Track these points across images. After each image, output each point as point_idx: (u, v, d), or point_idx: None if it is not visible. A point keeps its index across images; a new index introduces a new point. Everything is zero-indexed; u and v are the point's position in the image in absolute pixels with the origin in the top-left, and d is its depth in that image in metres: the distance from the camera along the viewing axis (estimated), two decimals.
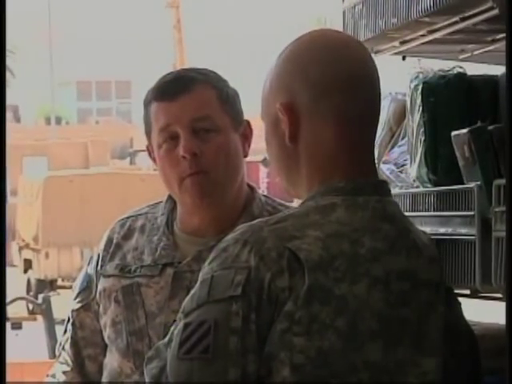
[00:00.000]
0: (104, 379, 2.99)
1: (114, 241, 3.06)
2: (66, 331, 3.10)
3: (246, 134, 2.93)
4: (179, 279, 2.86)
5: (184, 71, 3.15)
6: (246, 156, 3.00)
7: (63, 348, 3.07)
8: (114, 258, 3.03)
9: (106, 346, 2.99)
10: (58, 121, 56.58)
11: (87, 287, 3.04)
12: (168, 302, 2.84)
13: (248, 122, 2.97)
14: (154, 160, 2.97)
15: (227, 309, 2.08)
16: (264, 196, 3.06)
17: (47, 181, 25.09)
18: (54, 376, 3.08)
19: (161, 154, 2.85)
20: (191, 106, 2.90)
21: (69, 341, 3.06)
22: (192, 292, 2.19)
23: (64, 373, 3.06)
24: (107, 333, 2.97)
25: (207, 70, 3.03)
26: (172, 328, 2.18)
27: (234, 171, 2.92)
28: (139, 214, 3.10)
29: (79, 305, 3.04)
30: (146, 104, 2.97)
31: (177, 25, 32.54)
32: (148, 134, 2.95)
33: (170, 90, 2.95)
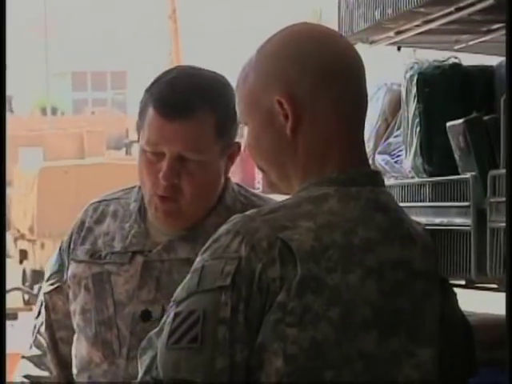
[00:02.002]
0: (75, 367, 2.97)
1: (86, 224, 3.02)
2: (39, 314, 3.07)
3: (233, 155, 2.91)
4: (148, 268, 2.84)
5: (191, 86, 2.89)
6: (226, 175, 2.94)
7: (38, 331, 3.04)
8: (84, 242, 2.98)
9: None
10: (54, 111, 56.77)
11: (59, 270, 3.02)
12: (137, 292, 2.82)
13: (238, 144, 2.88)
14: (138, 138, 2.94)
15: (216, 299, 2.08)
16: (237, 185, 3.00)
17: (42, 171, 25.33)
18: (29, 359, 3.09)
19: (142, 158, 2.82)
20: (186, 135, 2.80)
21: (43, 324, 3.04)
22: (184, 281, 2.18)
23: (39, 356, 3.07)
24: (76, 320, 2.94)
25: (216, 86, 2.87)
26: (164, 317, 2.17)
27: (209, 197, 2.89)
28: (113, 199, 3.06)
29: (51, 287, 3.03)
30: (146, 99, 2.84)
31: (172, 15, 32.83)
32: (140, 121, 2.88)
33: (170, 107, 2.80)
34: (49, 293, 3.02)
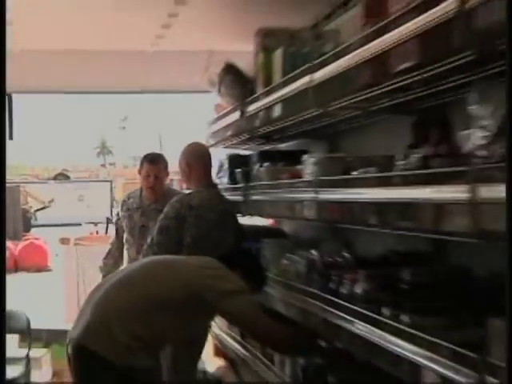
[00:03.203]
0: (125, 245, 4.50)
1: (124, 203, 4.63)
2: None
3: (167, 174, 4.48)
4: (143, 213, 4.42)
5: (156, 154, 4.64)
6: (166, 181, 4.50)
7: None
8: (123, 207, 4.64)
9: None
10: None
11: (117, 214, 4.73)
12: (140, 219, 4.42)
13: (168, 170, 4.45)
14: (139, 173, 4.43)
15: (171, 219, 3.50)
16: (168, 186, 4.64)
17: None
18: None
19: (145, 178, 4.37)
20: (158, 169, 4.41)
21: (116, 230, 4.69)
22: (161, 215, 3.65)
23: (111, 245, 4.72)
24: (125, 229, 4.54)
25: (161, 154, 4.57)
26: (155, 226, 3.62)
27: (163, 185, 4.46)
28: (131, 193, 4.69)
29: (117, 217, 4.76)
30: (142, 160, 4.45)
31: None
32: (140, 168, 4.43)
33: (151, 161, 4.44)
34: (118, 219, 4.76)
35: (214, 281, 2.76)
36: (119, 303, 2.70)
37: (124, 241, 4.49)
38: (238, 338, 3.84)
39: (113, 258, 4.52)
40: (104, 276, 4.12)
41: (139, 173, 4.42)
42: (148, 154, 4.46)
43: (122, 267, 4.20)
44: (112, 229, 4.77)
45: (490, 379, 1.55)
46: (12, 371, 4.76)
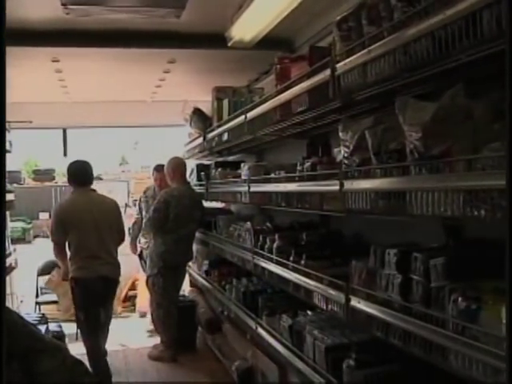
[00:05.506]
0: None
1: (144, 192, 4.14)
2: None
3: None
4: (154, 199, 3.60)
5: (161, 165, 3.83)
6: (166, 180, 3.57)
7: None
8: (143, 195, 4.11)
9: None
10: None
11: (140, 199, 4.13)
12: (153, 203, 3.56)
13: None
14: (152, 175, 3.89)
15: (161, 203, 3.04)
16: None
17: None
18: None
19: (155, 180, 3.75)
20: (162, 175, 3.69)
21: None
22: (156, 201, 3.20)
23: None
24: (143, 209, 3.98)
25: (163, 165, 3.65)
26: (150, 209, 3.16)
27: (165, 183, 3.61)
28: (147, 188, 4.17)
29: (139, 201, 4.14)
30: (153, 169, 3.92)
31: None
32: (152, 173, 3.86)
33: (158, 169, 3.87)
34: (138, 204, 4.12)
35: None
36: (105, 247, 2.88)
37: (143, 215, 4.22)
38: (204, 275, 3.69)
39: (137, 224, 4.30)
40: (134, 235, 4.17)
41: (152, 175, 4.25)
42: (157, 165, 4.17)
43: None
44: (128, 210, 4.64)
45: (352, 297, 1.54)
46: None
